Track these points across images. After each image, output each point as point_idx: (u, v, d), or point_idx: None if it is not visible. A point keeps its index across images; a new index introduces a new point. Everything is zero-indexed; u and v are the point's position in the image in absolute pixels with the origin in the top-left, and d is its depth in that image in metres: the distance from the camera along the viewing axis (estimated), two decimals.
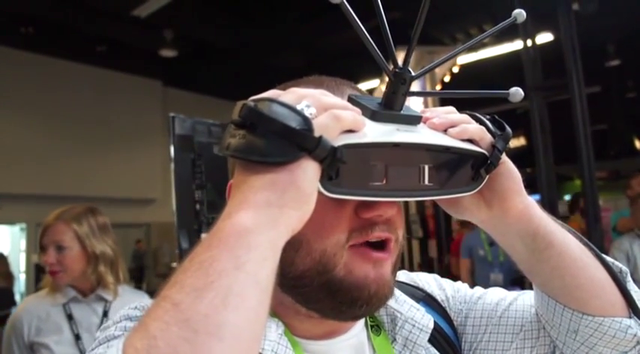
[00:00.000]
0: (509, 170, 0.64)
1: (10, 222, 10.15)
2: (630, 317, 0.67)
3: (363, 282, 0.59)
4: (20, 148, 9.19)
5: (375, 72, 6.96)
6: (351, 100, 0.57)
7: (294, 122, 0.46)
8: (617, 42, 8.80)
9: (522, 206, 0.64)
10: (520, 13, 0.62)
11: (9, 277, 7.28)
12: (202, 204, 2.04)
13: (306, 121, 0.46)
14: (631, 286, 0.69)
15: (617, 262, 0.70)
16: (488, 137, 0.61)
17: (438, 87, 6.35)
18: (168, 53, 8.89)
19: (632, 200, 4.36)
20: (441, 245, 6.13)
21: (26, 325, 1.83)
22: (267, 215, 0.45)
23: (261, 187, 0.45)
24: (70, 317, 1.87)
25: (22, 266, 9.98)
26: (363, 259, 0.59)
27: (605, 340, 0.66)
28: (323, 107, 0.49)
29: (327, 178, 0.49)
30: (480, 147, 0.60)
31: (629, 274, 0.70)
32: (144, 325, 0.40)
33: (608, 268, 0.67)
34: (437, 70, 5.15)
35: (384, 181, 0.53)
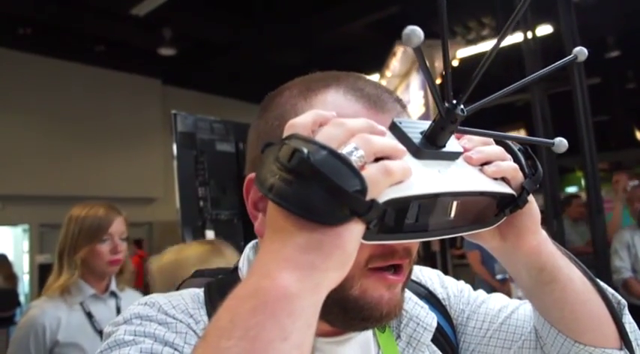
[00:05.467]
0: (531, 209, 0.64)
1: (13, 223, 10.17)
2: (621, 349, 0.70)
3: (376, 303, 0.60)
4: (21, 149, 9.20)
5: (374, 67, 6.95)
6: (394, 126, 0.54)
7: (349, 183, 0.43)
8: (617, 33, 8.78)
9: (535, 243, 0.66)
10: (581, 51, 0.61)
11: (12, 279, 7.29)
12: (206, 201, 2.05)
13: (362, 182, 0.44)
14: (627, 319, 0.73)
15: (616, 294, 0.74)
16: (520, 177, 0.61)
17: (438, 81, 6.33)
18: (167, 52, 8.87)
19: (629, 197, 4.40)
20: (444, 239, 6.13)
21: (48, 329, 1.84)
22: (312, 279, 0.44)
23: (307, 248, 0.44)
24: (89, 315, 1.93)
25: (26, 267, 10.00)
26: (379, 281, 0.60)
27: None
28: (372, 152, 0.47)
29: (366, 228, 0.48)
30: (510, 185, 0.60)
31: (626, 307, 0.74)
32: None
33: (608, 302, 0.70)
34: (436, 63, 5.13)
35: (415, 220, 0.53)
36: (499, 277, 4.28)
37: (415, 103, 5.88)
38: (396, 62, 6.42)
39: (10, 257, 8.34)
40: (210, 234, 2.02)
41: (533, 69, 4.18)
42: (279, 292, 0.42)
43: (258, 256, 0.47)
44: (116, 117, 10.47)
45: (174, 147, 1.97)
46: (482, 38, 7.41)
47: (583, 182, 4.20)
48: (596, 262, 3.59)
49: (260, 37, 8.49)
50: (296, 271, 0.43)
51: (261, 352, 0.40)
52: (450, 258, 6.46)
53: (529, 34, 4.34)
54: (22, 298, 8.04)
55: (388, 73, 6.58)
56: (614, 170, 12.23)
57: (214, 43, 9.12)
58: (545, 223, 3.86)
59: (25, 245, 10.13)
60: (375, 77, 7.96)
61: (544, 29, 6.26)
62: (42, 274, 8.69)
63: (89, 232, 1.93)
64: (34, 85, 9.40)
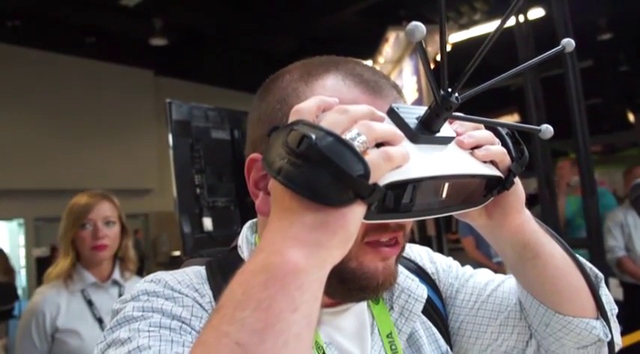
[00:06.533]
0: (516, 190, 0.68)
1: (8, 218, 10.14)
2: (597, 319, 0.75)
3: (372, 273, 0.64)
4: (13, 143, 9.16)
5: (367, 53, 6.93)
6: (392, 111, 0.57)
7: (353, 168, 0.46)
8: (609, 16, 8.78)
9: (519, 221, 0.71)
10: (569, 43, 0.62)
11: (10, 272, 7.30)
12: (202, 188, 2.07)
13: (365, 167, 0.47)
14: (603, 291, 0.78)
15: (594, 268, 0.79)
16: (507, 160, 0.64)
17: (431, 66, 6.32)
18: (158, 42, 8.82)
19: (625, 174, 4.43)
20: (439, 224, 6.16)
21: (48, 315, 1.88)
22: (318, 256, 0.47)
23: (313, 227, 0.47)
24: (90, 303, 1.95)
25: (22, 261, 10.00)
26: (374, 253, 0.64)
27: (571, 336, 0.75)
28: (374, 138, 0.50)
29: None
30: (498, 168, 0.63)
31: (602, 280, 0.80)
32: None
33: (586, 276, 0.75)
34: (429, 48, 5.13)
35: (410, 200, 0.56)
36: (496, 260, 4.32)
37: (408, 89, 5.88)
38: (389, 48, 6.41)
39: (7, 251, 8.33)
40: (207, 221, 2.03)
41: (525, 53, 4.18)
42: (289, 268, 0.46)
43: (265, 233, 0.50)
44: (109, 109, 10.42)
45: (170, 135, 1.98)
46: (475, 22, 7.40)
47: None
48: (590, 241, 3.63)
49: (251, 25, 8.45)
50: (304, 248, 0.47)
51: (273, 321, 0.44)
52: (445, 242, 6.50)
53: (521, 18, 4.34)
54: (20, 292, 8.06)
55: (381, 60, 6.58)
56: (608, 153, 12.29)
57: (206, 32, 9.07)
58: (536, 204, 3.90)
59: (21, 239, 10.13)
60: (367, 63, 7.93)
61: (536, 12, 6.26)
62: (39, 267, 8.71)
63: (73, 219, 1.97)
64: (24, 78, 9.32)
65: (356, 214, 0.48)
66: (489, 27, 7.41)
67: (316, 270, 0.47)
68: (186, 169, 2.02)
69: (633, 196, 2.36)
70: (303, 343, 0.45)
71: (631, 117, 12.92)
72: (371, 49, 6.70)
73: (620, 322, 0.84)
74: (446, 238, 6.69)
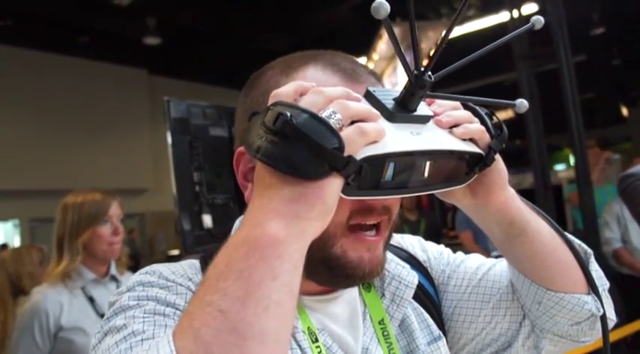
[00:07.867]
0: (498, 167, 0.69)
1: (3, 218, 10.11)
2: (589, 294, 0.76)
3: (357, 263, 0.65)
4: (7, 144, 9.11)
5: (361, 50, 6.93)
6: (368, 93, 0.59)
7: (328, 141, 0.49)
8: (601, 10, 8.80)
9: (503, 199, 0.71)
10: (538, 20, 0.64)
11: None
12: (202, 185, 2.08)
13: (339, 140, 0.49)
14: (593, 266, 0.79)
15: (583, 245, 0.80)
16: (487, 137, 0.65)
17: (425, 61, 6.32)
18: (152, 41, 8.79)
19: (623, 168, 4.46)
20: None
21: (51, 315, 1.87)
22: (297, 227, 0.49)
23: (291, 199, 0.49)
24: (91, 299, 1.96)
25: None
26: (358, 241, 0.65)
27: (563, 312, 0.76)
28: (349, 115, 0.52)
29: (346, 183, 0.53)
30: (478, 146, 0.64)
31: (592, 256, 0.80)
32: (193, 328, 0.46)
33: (574, 251, 0.76)
34: (423, 45, 5.14)
35: (392, 178, 0.57)
36: (494, 253, 4.32)
37: (402, 85, 5.89)
38: (383, 45, 6.41)
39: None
40: (207, 218, 2.05)
41: (520, 48, 4.20)
42: (269, 239, 0.48)
43: (247, 210, 0.52)
44: (103, 108, 10.38)
45: (168, 133, 1.99)
46: (468, 18, 7.40)
47: (572, 159, 4.23)
48: (586, 233, 3.66)
49: (245, 23, 8.42)
50: (283, 220, 0.49)
51: (254, 289, 0.46)
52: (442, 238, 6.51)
53: (515, 13, 4.36)
54: None
55: (375, 56, 6.58)
56: (602, 147, 12.32)
57: (200, 30, 9.04)
58: (535, 199, 3.92)
59: (17, 240, 10.09)
60: (362, 60, 7.92)
61: (530, 8, 6.27)
62: None
63: (89, 216, 1.97)
64: (18, 78, 9.28)
65: (333, 187, 0.50)
66: (483, 22, 7.42)
67: (296, 240, 0.49)
68: (185, 166, 2.04)
69: (622, 187, 2.40)
70: (285, 310, 0.47)
71: (624, 111, 12.98)
72: (365, 46, 6.71)
73: (617, 314, 0.84)
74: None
